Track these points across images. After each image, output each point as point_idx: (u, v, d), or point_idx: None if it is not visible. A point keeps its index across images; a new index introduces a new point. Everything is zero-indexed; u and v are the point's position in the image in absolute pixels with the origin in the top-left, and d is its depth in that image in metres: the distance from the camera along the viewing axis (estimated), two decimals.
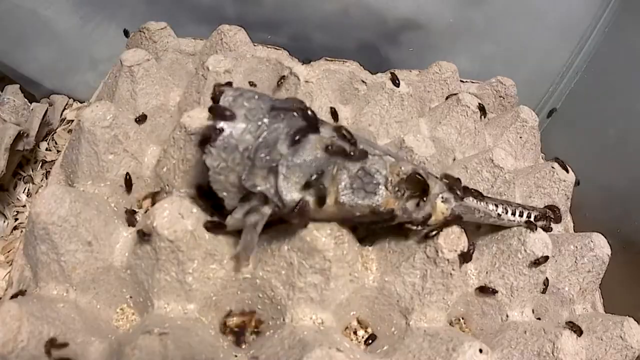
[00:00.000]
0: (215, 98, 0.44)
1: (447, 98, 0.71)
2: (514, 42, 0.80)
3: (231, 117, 0.42)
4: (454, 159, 0.67)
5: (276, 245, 0.46)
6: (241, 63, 0.69)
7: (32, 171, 0.69)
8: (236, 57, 0.68)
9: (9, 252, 0.60)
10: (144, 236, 0.45)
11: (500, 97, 0.76)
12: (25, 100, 0.69)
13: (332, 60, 0.73)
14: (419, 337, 0.47)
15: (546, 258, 0.50)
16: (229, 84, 0.46)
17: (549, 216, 0.53)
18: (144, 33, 0.69)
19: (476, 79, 0.79)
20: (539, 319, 0.55)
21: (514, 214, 0.51)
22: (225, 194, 0.43)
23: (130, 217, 0.51)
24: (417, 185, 0.47)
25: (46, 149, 0.72)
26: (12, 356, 0.38)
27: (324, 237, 0.45)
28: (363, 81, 0.71)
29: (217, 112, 0.42)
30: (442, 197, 0.47)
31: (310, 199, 0.43)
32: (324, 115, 0.64)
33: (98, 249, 0.47)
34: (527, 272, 0.51)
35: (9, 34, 0.72)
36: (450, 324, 0.53)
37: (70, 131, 0.73)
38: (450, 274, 0.48)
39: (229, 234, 0.47)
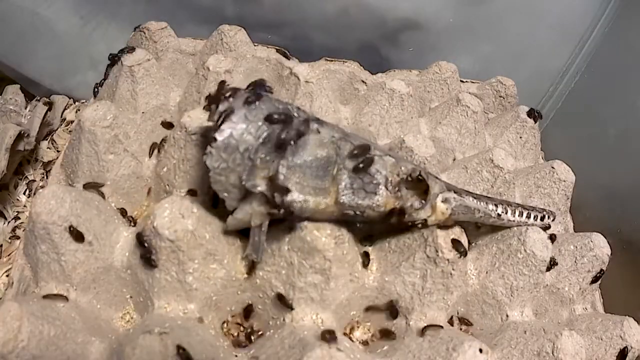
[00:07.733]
0: (214, 96, 0.44)
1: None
2: (514, 42, 0.79)
3: (229, 114, 0.42)
4: (454, 159, 0.67)
5: (276, 245, 0.46)
6: (241, 63, 0.69)
7: (32, 171, 0.69)
8: (236, 57, 0.68)
9: (9, 255, 0.60)
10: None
11: (500, 97, 0.76)
12: (26, 100, 0.69)
13: (332, 60, 0.73)
14: (419, 337, 0.47)
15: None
16: (223, 82, 0.46)
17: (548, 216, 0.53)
18: (144, 33, 0.69)
19: (476, 79, 0.79)
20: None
21: (513, 214, 0.51)
22: (226, 194, 0.43)
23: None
24: (417, 185, 0.47)
25: (47, 148, 0.72)
26: (12, 356, 0.38)
27: (324, 237, 0.45)
28: (363, 81, 0.71)
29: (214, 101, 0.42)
30: (442, 197, 0.47)
31: (310, 199, 0.43)
32: (324, 115, 0.64)
33: (98, 249, 0.47)
34: (527, 272, 0.51)
35: (9, 34, 0.72)
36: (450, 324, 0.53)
37: (70, 131, 0.73)
38: (450, 274, 0.48)
39: (230, 233, 0.47)
